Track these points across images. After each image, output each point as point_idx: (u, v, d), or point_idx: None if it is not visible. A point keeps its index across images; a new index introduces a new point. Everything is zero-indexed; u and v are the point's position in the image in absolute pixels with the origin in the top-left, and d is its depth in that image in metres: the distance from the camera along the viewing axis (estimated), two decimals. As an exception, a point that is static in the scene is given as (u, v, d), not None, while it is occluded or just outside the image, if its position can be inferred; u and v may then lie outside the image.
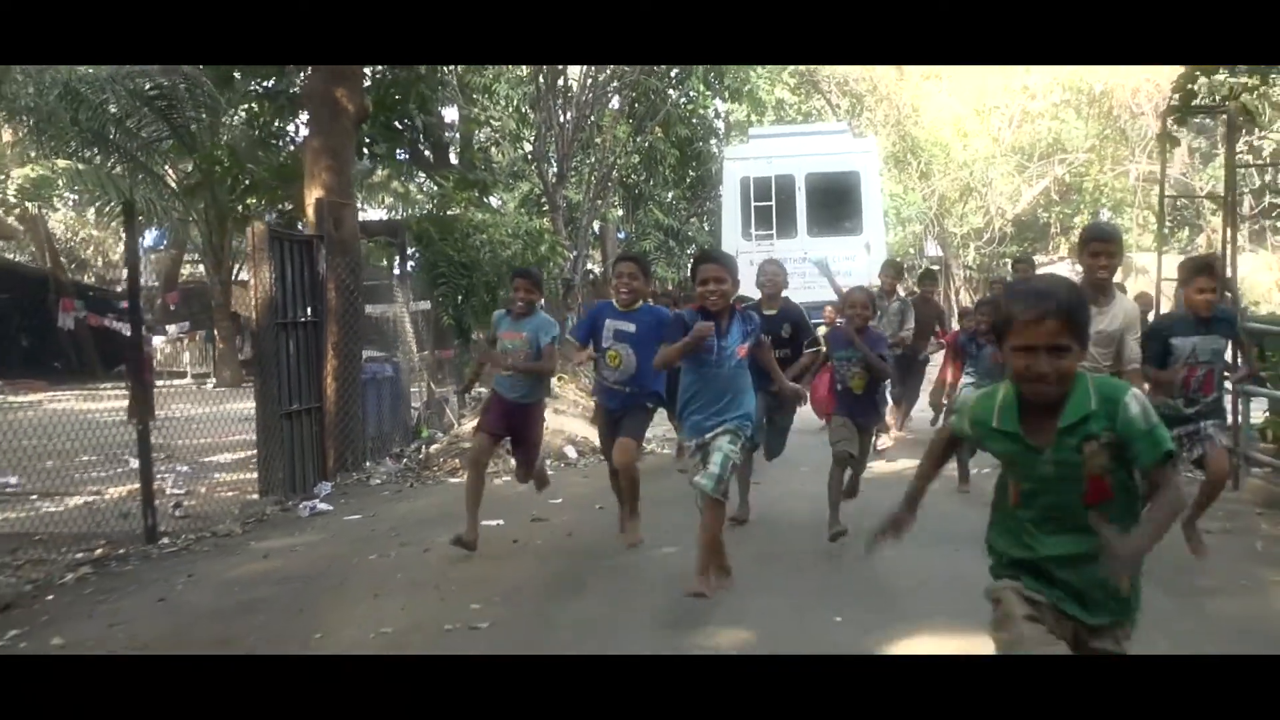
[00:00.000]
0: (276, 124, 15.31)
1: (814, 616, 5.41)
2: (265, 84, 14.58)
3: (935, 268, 22.40)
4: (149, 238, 38.75)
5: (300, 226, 11.97)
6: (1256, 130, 10.21)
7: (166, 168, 26.27)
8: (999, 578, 3.04)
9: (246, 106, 17.56)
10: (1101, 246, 5.75)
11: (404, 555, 7.06)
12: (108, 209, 25.94)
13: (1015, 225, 30.85)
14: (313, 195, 10.54)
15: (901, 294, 12.28)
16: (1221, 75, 8.74)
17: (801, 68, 26.78)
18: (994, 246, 28.30)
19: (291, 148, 15.86)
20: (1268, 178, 9.41)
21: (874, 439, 8.75)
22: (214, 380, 26.89)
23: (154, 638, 5.46)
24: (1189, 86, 8.80)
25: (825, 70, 27.94)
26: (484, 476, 7.27)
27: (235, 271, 28.04)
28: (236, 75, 15.47)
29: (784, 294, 8.09)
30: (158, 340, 24.71)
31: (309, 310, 10.15)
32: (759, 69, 23.27)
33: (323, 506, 9.05)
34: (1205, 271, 6.12)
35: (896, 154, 28.76)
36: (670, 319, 6.05)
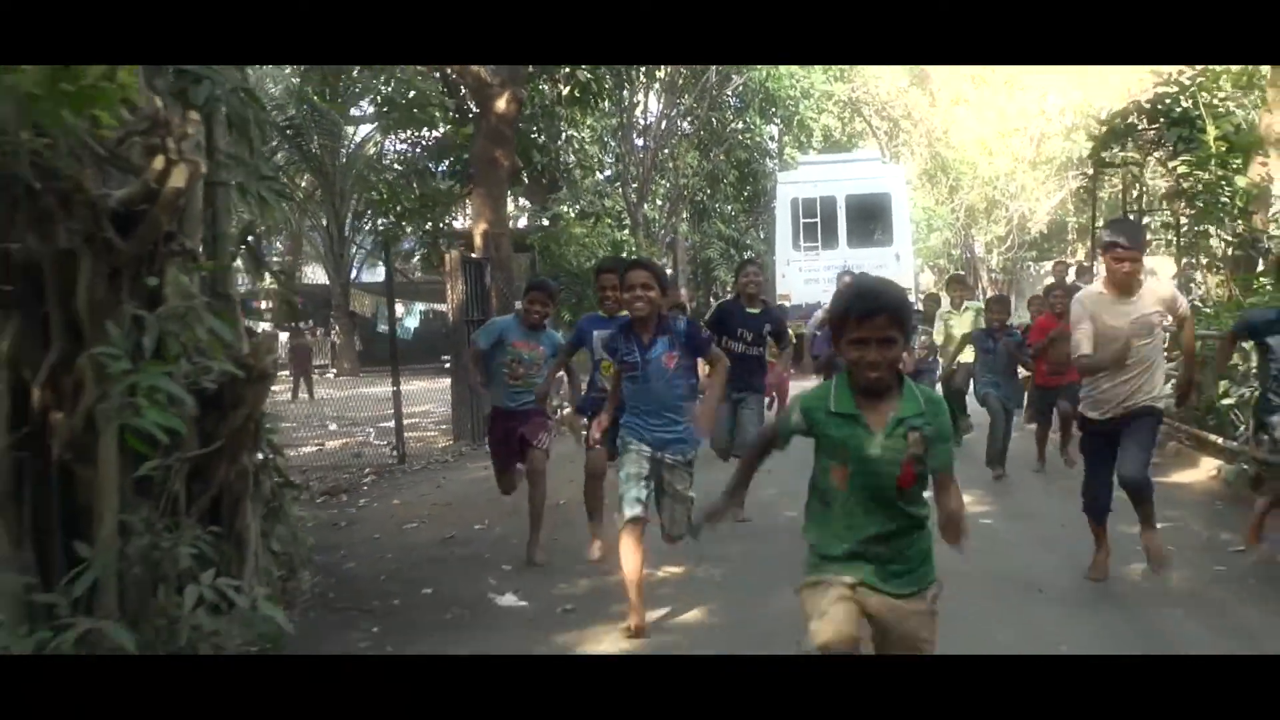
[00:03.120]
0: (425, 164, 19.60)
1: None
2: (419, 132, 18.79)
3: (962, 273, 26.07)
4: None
5: (442, 243, 16.08)
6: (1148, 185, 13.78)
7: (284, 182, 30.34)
8: (813, 572, 3.27)
9: (401, 151, 21.78)
10: (1124, 253, 5.51)
11: (575, 470, 10.68)
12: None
13: (1050, 228, 34.51)
14: (479, 228, 14.64)
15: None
16: (1117, 150, 12.61)
17: (844, 97, 30.52)
18: (1015, 252, 31.98)
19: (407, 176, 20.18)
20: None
21: None
22: (334, 370, 31.09)
23: (452, 499, 9.46)
24: (1102, 154, 12.71)
25: (866, 98, 31.74)
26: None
27: (355, 275, 32.25)
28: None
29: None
30: (284, 336, 28.93)
31: (480, 311, 14.17)
32: (806, 100, 27.06)
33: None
34: None
35: (929, 171, 32.62)
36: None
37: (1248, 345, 8.68)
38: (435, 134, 20.72)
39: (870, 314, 3.05)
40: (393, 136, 24.50)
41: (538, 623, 5.55)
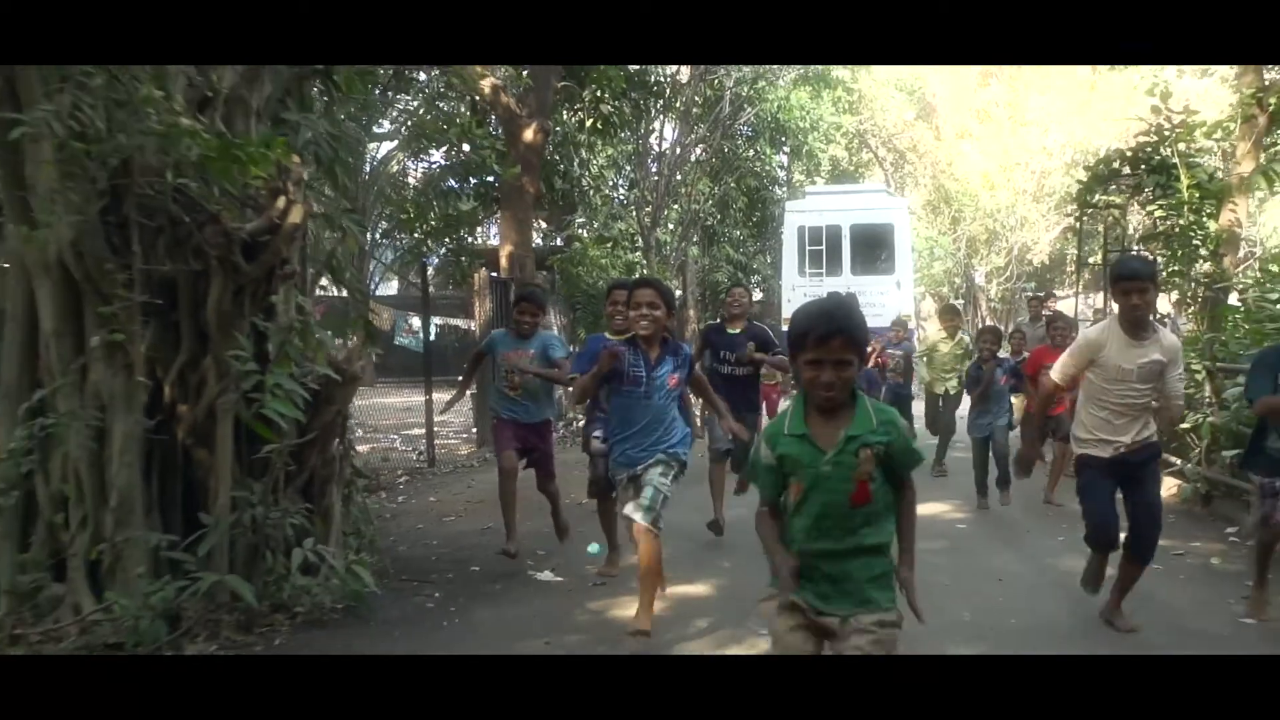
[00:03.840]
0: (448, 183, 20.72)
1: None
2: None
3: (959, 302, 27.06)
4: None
5: (463, 260, 17.20)
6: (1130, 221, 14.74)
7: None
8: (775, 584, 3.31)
9: (426, 171, 22.90)
10: (1133, 285, 5.30)
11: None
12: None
13: (1050, 260, 35.51)
14: (505, 250, 15.68)
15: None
16: (1100, 195, 13.64)
17: (852, 128, 31.56)
18: (1014, 282, 33.05)
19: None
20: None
21: None
22: (352, 380, 32.10)
23: (484, 497, 10.38)
24: (1087, 198, 13.73)
25: (873, 130, 32.82)
26: (515, 487, 7.48)
27: (373, 289, 33.22)
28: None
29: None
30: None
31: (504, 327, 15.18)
32: (815, 131, 28.07)
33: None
34: None
35: (932, 202, 33.69)
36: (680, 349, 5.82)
37: (1201, 374, 9.70)
38: (461, 155, 21.68)
39: (827, 336, 3.12)
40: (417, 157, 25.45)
41: (574, 593, 6.53)
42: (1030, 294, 19.72)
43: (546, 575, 7.02)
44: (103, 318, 5.44)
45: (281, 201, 5.46)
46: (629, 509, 5.48)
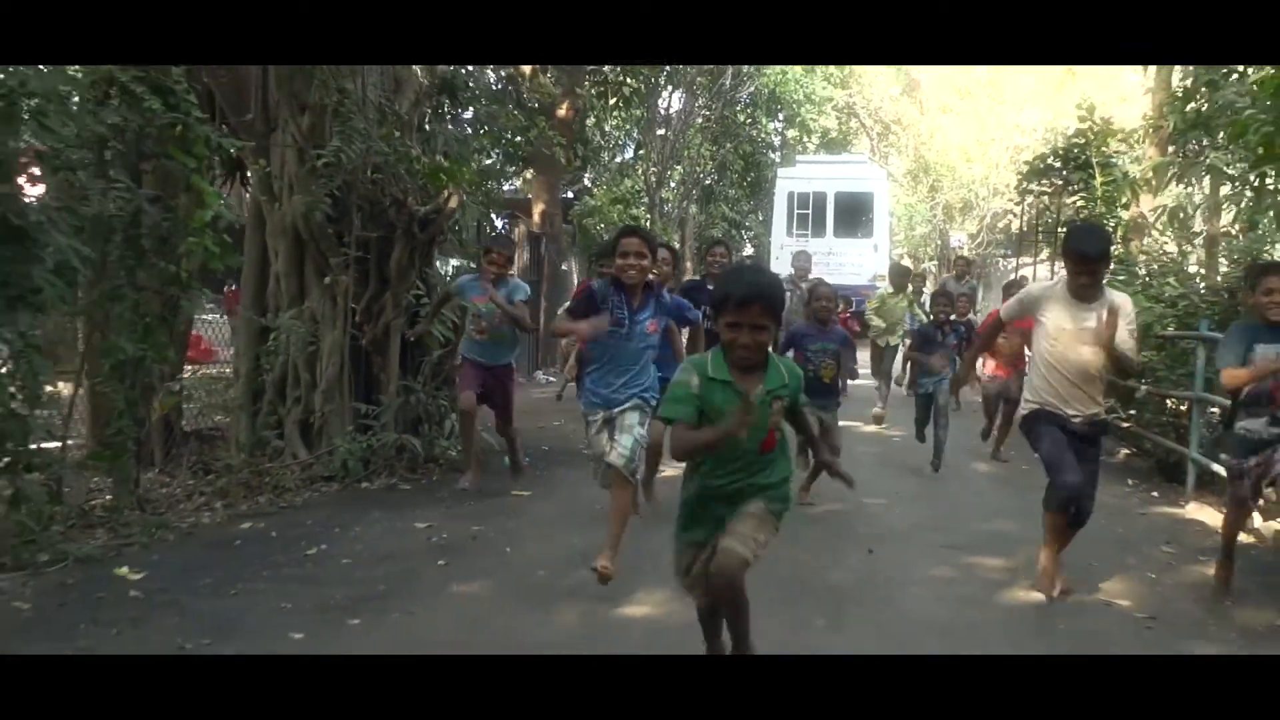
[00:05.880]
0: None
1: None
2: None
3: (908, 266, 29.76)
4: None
5: (493, 211, 20.10)
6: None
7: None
8: (683, 533, 3.81)
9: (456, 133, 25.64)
10: (1083, 266, 5.21)
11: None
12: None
13: (1026, 226, 38.34)
14: (538, 209, 18.54)
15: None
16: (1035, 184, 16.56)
17: (842, 101, 34.25)
18: (986, 249, 35.91)
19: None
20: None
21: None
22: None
23: (529, 409, 13.22)
24: (1026, 186, 16.62)
25: (861, 103, 35.52)
26: (475, 426, 8.03)
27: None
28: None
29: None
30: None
31: (536, 273, 18.02)
32: (809, 103, 30.76)
33: (551, 378, 16.94)
34: (1274, 271, 5.42)
35: (913, 172, 36.49)
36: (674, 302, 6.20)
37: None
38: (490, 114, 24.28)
39: (747, 302, 3.44)
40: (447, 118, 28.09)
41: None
42: (956, 255, 22.67)
43: (598, 453, 9.90)
44: (321, 266, 8.29)
45: (445, 192, 8.32)
46: (611, 457, 5.61)
